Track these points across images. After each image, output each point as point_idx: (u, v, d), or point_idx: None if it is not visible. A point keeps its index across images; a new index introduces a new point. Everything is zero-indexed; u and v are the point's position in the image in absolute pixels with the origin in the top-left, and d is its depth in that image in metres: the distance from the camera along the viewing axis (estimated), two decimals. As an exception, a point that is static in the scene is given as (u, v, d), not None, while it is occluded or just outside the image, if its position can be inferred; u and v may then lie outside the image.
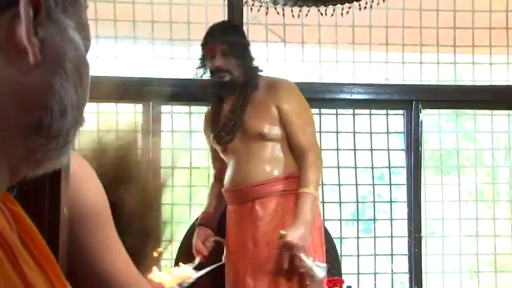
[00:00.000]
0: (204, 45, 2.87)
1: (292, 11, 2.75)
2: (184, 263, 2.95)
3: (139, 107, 3.40)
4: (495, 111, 3.71)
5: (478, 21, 3.61)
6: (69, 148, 0.70)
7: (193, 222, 3.10)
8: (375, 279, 3.51)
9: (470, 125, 3.85)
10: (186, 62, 3.46)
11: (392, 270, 3.55)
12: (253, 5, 2.77)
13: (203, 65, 2.90)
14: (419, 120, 3.48)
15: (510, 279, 3.73)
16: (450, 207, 3.64)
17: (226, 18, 3.38)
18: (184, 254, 3.01)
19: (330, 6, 2.75)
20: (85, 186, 1.12)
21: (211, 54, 2.80)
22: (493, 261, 3.68)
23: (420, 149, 3.49)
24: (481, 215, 3.68)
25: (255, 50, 3.43)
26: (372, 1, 2.77)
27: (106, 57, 3.36)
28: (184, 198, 3.49)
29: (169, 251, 3.29)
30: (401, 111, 3.54)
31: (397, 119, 3.53)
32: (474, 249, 3.65)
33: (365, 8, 2.82)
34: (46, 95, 0.63)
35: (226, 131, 2.82)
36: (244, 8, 3.27)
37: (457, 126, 3.84)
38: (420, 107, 3.47)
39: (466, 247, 3.65)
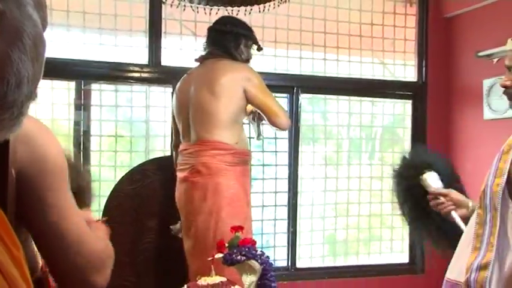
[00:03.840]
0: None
1: (204, 9, 2.52)
2: (111, 210, 2.73)
3: (72, 84, 3.06)
4: (352, 98, 3.69)
5: (341, 29, 3.56)
6: (22, 119, 0.56)
7: (118, 181, 2.86)
8: (262, 225, 3.40)
9: (334, 107, 3.75)
10: (112, 48, 3.13)
11: (275, 217, 3.46)
12: (172, 2, 2.49)
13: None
14: (299, 102, 3.38)
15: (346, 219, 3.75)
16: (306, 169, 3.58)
17: (147, 14, 3.13)
18: (113, 206, 2.76)
19: (235, 7, 2.54)
20: (47, 147, 0.94)
21: None
22: (340, 207, 3.67)
23: (299, 125, 3.41)
24: (330, 174, 3.64)
25: (170, 41, 3.21)
26: (264, 7, 2.60)
27: (43, 41, 2.95)
28: (110, 161, 3.20)
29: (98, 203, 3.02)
30: (285, 95, 3.42)
31: (282, 101, 3.37)
32: (333, 199, 3.65)
33: (260, 11, 2.65)
34: (3, 66, 0.50)
35: None
36: (163, 6, 3.05)
37: (325, 107, 3.74)
38: (299, 92, 3.38)
39: (328, 199, 3.62)
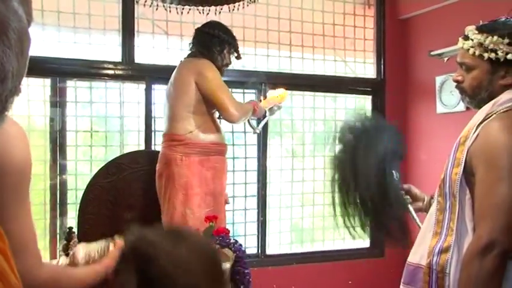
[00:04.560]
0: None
1: (176, 9, 2.51)
2: (88, 202, 2.70)
3: (47, 81, 2.99)
4: (316, 93, 3.75)
5: (305, 29, 3.61)
6: (6, 115, 0.53)
7: (94, 175, 2.82)
8: (233, 215, 3.42)
9: (299, 102, 3.79)
10: (87, 47, 3.09)
11: (245, 207, 3.48)
12: (145, 2, 2.48)
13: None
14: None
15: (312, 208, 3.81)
16: (274, 161, 3.62)
17: (120, 14, 3.10)
18: (90, 199, 2.73)
19: (206, 7, 2.56)
20: (14, 145, 0.89)
21: None
22: (306, 197, 3.73)
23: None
24: (296, 166, 3.69)
25: (143, 40, 3.19)
26: (234, 7, 2.62)
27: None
28: (86, 155, 3.16)
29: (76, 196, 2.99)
30: (253, 91, 3.42)
31: (251, 96, 3.40)
32: (300, 190, 3.70)
33: (229, 11, 2.67)
34: None
35: None
36: (135, 5, 3.03)
37: (291, 103, 3.75)
38: (267, 88, 3.37)
39: (295, 189, 3.68)
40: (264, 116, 3.01)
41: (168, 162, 2.54)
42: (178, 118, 2.56)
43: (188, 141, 2.54)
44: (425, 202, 1.82)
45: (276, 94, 2.99)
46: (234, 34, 2.73)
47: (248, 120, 2.82)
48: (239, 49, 2.74)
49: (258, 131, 3.00)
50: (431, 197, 1.79)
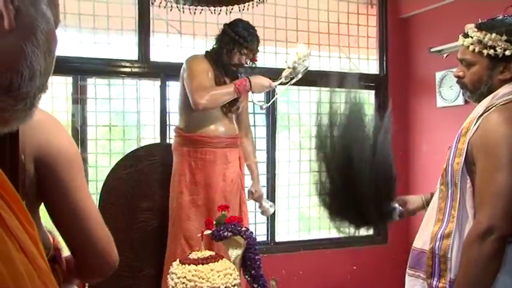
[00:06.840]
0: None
1: (190, 9, 2.50)
2: (107, 193, 2.71)
3: (69, 79, 3.02)
4: (322, 88, 3.72)
5: (311, 27, 3.60)
6: (34, 111, 0.53)
7: (113, 167, 2.84)
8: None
9: (306, 97, 3.77)
10: (106, 46, 3.10)
11: (255, 196, 3.48)
12: (160, 3, 2.48)
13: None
14: (275, 93, 3.37)
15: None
16: (282, 153, 3.61)
17: (137, 15, 3.10)
18: (109, 189, 2.75)
19: (217, 7, 2.54)
20: (57, 135, 0.95)
21: None
22: (313, 187, 3.71)
23: (275, 113, 3.43)
24: (303, 158, 3.67)
25: (158, 39, 3.19)
26: (244, 7, 2.61)
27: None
28: (105, 149, 3.18)
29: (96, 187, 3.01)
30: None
31: (260, 92, 3.40)
32: (307, 180, 3.69)
33: (240, 11, 2.66)
34: (18, 59, 0.48)
35: None
36: (151, 7, 3.03)
37: (298, 97, 3.74)
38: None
39: (303, 180, 3.67)
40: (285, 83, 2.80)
41: (173, 152, 2.66)
42: (179, 113, 2.67)
43: (181, 134, 2.61)
44: (424, 203, 1.80)
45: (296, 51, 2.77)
46: (257, 35, 2.66)
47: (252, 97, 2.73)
48: (254, 52, 2.63)
49: (264, 107, 2.84)
50: (431, 194, 1.74)
